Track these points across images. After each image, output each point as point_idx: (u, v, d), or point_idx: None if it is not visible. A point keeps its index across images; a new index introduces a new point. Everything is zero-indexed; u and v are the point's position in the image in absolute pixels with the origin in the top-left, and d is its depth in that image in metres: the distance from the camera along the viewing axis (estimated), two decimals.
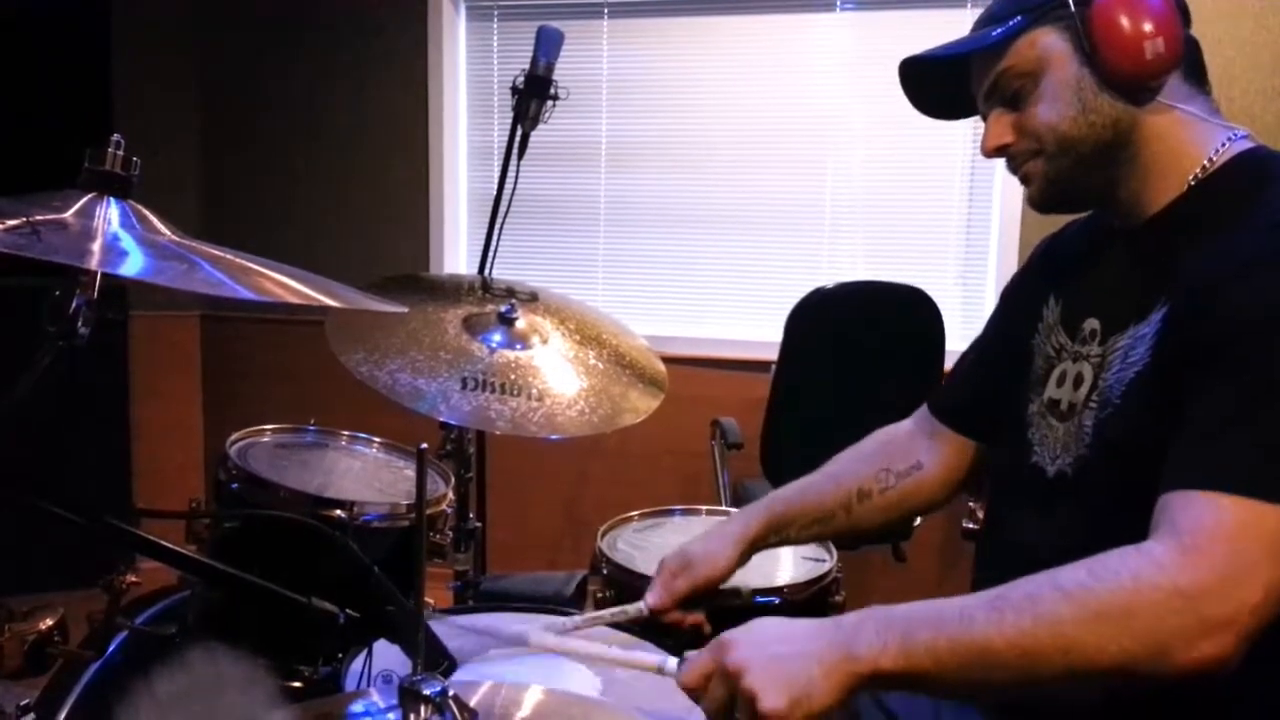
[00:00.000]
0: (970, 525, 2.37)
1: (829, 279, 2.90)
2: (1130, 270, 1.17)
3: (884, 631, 0.94)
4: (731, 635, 1.00)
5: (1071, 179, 1.17)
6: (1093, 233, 1.28)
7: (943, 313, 2.88)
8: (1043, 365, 1.25)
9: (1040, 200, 1.20)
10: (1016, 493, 1.26)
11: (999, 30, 1.15)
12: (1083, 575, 0.93)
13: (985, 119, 1.22)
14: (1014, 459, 1.26)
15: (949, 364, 2.86)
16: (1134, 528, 1.04)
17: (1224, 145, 1.13)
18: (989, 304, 3.34)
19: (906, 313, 2.88)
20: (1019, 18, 1.15)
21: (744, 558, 1.38)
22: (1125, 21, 1.09)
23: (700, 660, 1.01)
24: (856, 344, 2.79)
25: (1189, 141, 1.13)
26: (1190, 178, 1.12)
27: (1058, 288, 1.29)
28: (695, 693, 1.02)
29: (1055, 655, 0.91)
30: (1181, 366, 1.02)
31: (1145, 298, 1.10)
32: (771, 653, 0.96)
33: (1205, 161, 1.12)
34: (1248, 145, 1.14)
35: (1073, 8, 1.12)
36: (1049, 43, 1.14)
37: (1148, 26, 1.08)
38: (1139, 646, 0.89)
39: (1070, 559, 1.10)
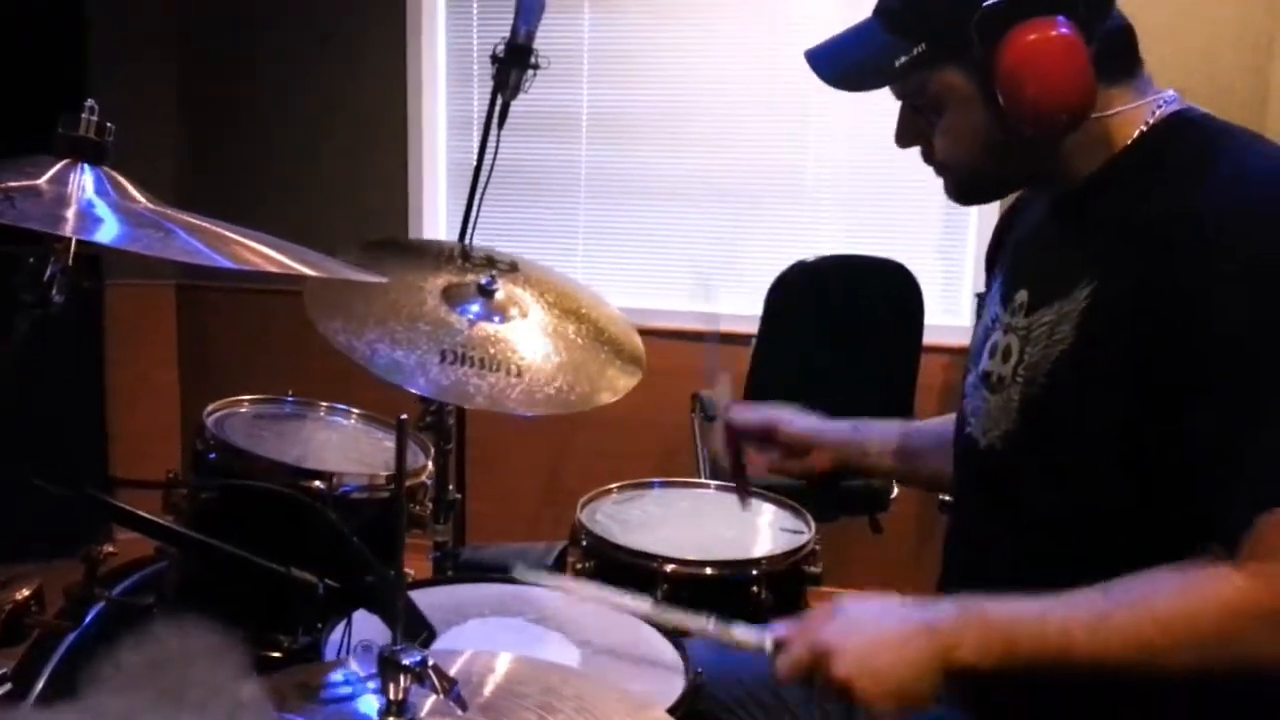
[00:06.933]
0: (946, 498, 2.39)
1: (809, 252, 2.89)
2: (1057, 241, 1.15)
3: (985, 639, 0.98)
4: (828, 634, 1.02)
5: (986, 187, 1.19)
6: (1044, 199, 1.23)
7: (922, 286, 2.89)
8: (981, 335, 1.24)
9: (956, 199, 1.20)
10: (960, 465, 1.28)
11: (903, 59, 1.07)
12: (1178, 602, 0.96)
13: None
14: (957, 430, 1.27)
15: (928, 337, 2.92)
16: (1059, 505, 1.08)
17: (1153, 115, 1.09)
18: (968, 277, 3.35)
19: (886, 286, 2.89)
20: (923, 45, 1.07)
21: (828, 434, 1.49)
22: (1034, 90, 1.02)
23: (796, 657, 1.03)
24: (837, 317, 2.80)
25: (1117, 127, 1.09)
26: (1120, 149, 1.09)
27: (1004, 253, 1.29)
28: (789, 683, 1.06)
29: (1155, 675, 0.96)
30: (1135, 358, 1.01)
31: (1071, 273, 1.08)
32: (874, 662, 0.99)
33: (1135, 134, 1.08)
34: (1178, 107, 1.10)
35: (978, 46, 1.03)
36: (954, 83, 1.08)
37: (1058, 93, 1.02)
38: (1239, 664, 0.94)
39: (1008, 534, 1.15)
